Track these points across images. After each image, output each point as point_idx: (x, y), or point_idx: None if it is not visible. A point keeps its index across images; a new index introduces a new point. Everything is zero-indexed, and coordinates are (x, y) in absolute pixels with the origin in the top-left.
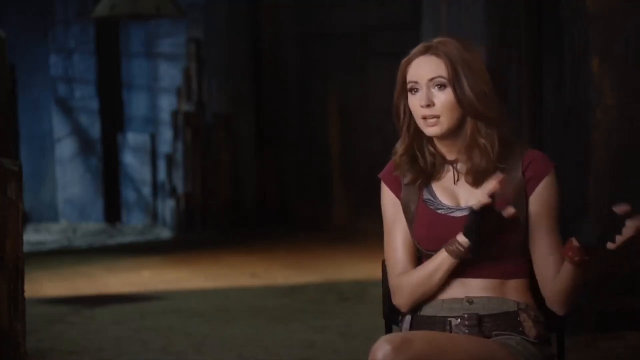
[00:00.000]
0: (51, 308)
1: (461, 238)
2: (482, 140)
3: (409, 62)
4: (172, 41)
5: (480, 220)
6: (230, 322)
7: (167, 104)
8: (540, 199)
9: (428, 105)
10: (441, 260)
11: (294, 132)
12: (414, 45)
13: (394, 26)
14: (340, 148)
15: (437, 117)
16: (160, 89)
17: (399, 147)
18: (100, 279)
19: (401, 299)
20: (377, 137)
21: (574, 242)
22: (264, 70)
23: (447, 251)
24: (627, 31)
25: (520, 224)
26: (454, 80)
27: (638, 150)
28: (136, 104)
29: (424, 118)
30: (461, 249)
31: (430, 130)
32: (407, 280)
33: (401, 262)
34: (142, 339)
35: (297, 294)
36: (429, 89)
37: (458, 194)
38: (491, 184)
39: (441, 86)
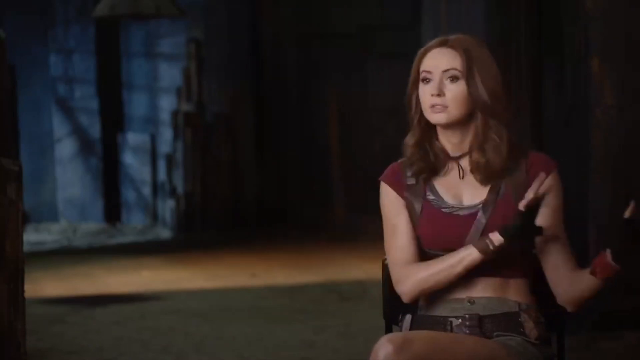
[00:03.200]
0: (51, 308)
1: (495, 236)
2: (493, 136)
3: (424, 53)
4: (172, 41)
5: (521, 223)
6: (230, 322)
7: (167, 104)
8: (543, 200)
9: (438, 95)
10: (465, 254)
11: (294, 132)
12: (414, 45)
13: (394, 26)
14: (340, 148)
15: (445, 107)
16: (160, 89)
17: (410, 139)
18: (100, 279)
19: (406, 287)
20: (377, 137)
21: (606, 258)
22: (264, 70)
23: (476, 247)
24: (627, 31)
25: None
26: (467, 74)
27: (638, 150)
28: (136, 104)
29: (432, 106)
30: (491, 247)
31: (435, 117)
32: (419, 269)
33: (407, 251)
34: (142, 339)
35: (297, 294)
36: (441, 80)
37: (462, 192)
38: (535, 187)
39: (454, 78)
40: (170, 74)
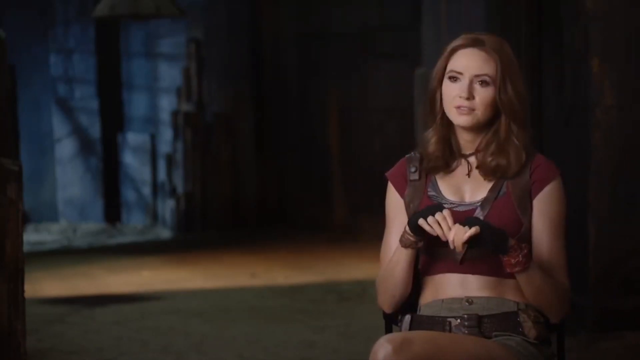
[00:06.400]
0: (51, 308)
1: (406, 227)
2: (515, 141)
3: (454, 51)
4: (172, 41)
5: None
6: (230, 322)
7: (167, 104)
8: (542, 205)
9: (468, 98)
10: (396, 252)
11: (294, 132)
12: (414, 45)
13: (394, 26)
14: (340, 148)
15: (472, 109)
16: (160, 89)
17: (432, 135)
18: (100, 279)
19: (378, 297)
20: (377, 137)
21: (505, 260)
22: (264, 70)
23: (399, 241)
24: (627, 31)
25: (522, 225)
26: (500, 81)
27: (638, 151)
28: (136, 104)
29: (458, 107)
30: (410, 238)
31: (461, 119)
32: (379, 278)
33: (392, 251)
34: (142, 339)
35: (297, 294)
36: (472, 83)
37: (464, 189)
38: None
39: (484, 83)
40: (170, 74)
